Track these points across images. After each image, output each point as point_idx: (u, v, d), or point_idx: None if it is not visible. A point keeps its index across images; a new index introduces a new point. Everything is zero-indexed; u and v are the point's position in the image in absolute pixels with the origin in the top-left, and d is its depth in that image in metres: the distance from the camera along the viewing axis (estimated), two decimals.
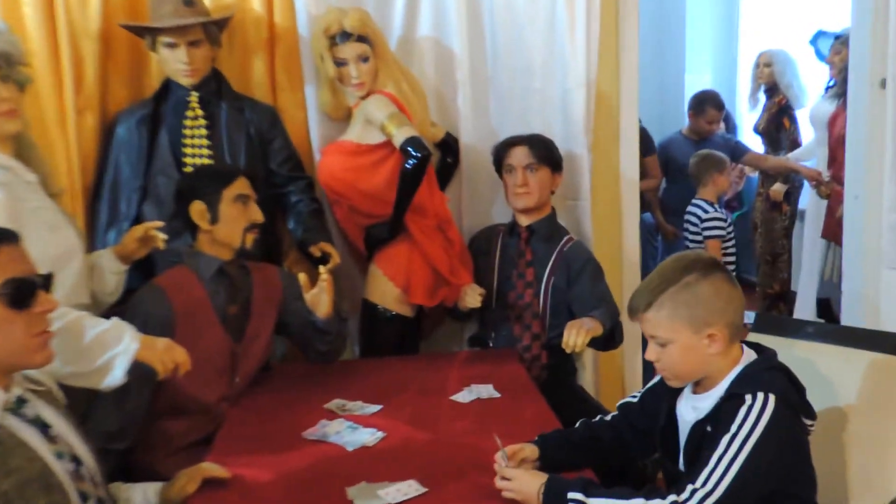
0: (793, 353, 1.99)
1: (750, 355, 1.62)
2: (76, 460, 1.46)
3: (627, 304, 1.65)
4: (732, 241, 3.99)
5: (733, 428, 1.48)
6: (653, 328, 1.57)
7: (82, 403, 1.91)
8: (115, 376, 1.74)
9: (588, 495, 1.49)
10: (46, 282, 1.44)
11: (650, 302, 1.56)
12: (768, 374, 1.56)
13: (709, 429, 1.55)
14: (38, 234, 1.76)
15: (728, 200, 4.80)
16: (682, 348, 1.55)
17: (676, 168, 4.46)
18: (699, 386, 1.63)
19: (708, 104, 4.52)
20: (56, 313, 1.48)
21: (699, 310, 1.53)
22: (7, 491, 1.29)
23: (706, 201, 3.95)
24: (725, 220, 3.96)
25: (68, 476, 1.42)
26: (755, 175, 4.85)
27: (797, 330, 2.04)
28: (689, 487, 1.46)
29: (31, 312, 1.40)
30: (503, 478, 1.59)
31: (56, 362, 1.53)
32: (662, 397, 1.72)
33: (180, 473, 1.70)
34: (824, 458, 1.87)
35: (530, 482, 1.56)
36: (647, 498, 1.47)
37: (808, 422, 1.59)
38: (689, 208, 3.99)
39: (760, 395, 1.50)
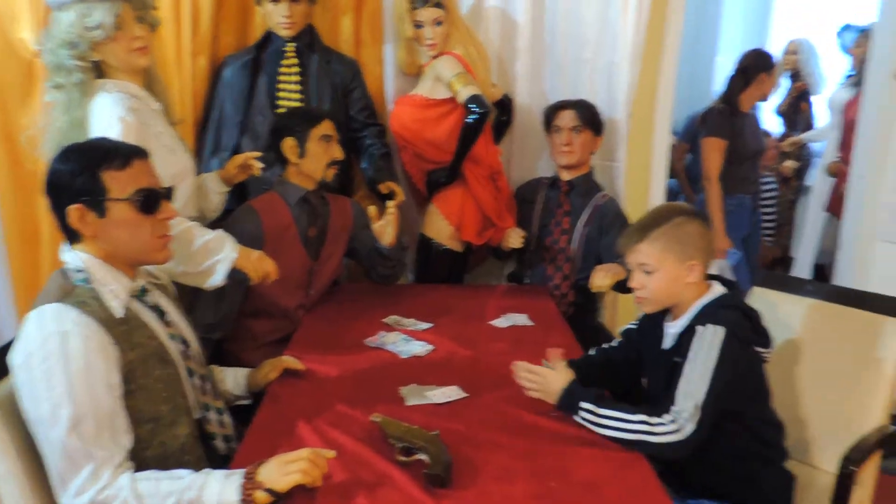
0: (793, 306, 2.00)
1: (715, 292, 1.63)
2: (185, 342, 1.53)
3: (621, 240, 1.69)
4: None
5: (691, 356, 1.51)
6: (644, 258, 1.62)
7: (188, 299, 1.98)
8: (217, 278, 1.81)
9: (598, 406, 1.51)
10: (168, 194, 1.48)
11: (644, 236, 1.62)
12: (722, 311, 1.57)
13: (676, 359, 1.56)
14: (159, 155, 1.77)
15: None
16: (666, 276, 1.61)
17: None
18: (671, 316, 1.66)
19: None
20: (173, 221, 1.52)
21: (686, 245, 1.60)
22: (132, 360, 1.36)
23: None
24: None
25: (179, 354, 1.49)
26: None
27: (798, 287, 2.04)
28: (673, 408, 1.47)
29: (156, 218, 1.43)
30: (531, 374, 1.61)
31: (171, 262, 1.58)
32: (654, 325, 1.73)
33: (265, 363, 1.77)
34: (813, 397, 1.89)
35: (555, 381, 1.58)
36: (649, 416, 1.47)
37: (763, 350, 1.63)
38: None
39: (711, 328, 1.52)
